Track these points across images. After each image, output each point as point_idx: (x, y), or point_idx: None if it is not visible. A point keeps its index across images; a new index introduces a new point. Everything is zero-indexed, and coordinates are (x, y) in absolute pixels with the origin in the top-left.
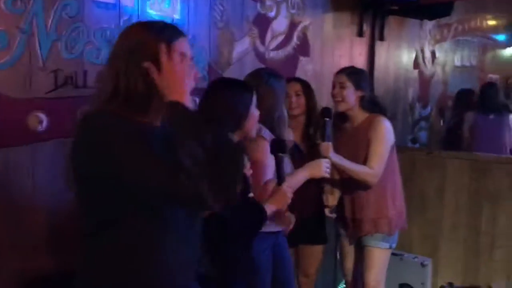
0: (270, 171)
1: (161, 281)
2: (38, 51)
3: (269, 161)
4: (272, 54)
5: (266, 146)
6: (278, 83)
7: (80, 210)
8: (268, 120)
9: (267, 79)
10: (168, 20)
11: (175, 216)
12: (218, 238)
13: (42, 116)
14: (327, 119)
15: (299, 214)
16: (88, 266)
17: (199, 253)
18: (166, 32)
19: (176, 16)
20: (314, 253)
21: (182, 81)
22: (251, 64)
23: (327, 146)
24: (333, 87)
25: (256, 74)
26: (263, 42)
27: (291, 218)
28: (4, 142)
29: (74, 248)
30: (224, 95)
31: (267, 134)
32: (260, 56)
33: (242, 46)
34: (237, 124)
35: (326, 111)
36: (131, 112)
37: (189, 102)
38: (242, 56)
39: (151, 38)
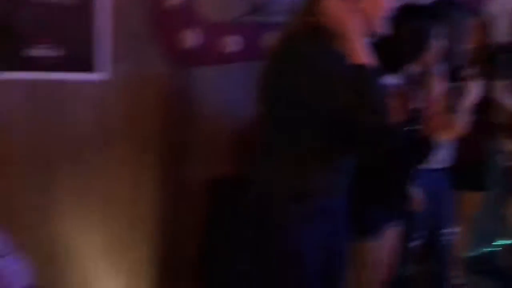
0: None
1: (320, 193)
2: None
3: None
4: None
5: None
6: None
7: (263, 126)
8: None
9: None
10: None
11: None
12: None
13: (238, 39)
14: None
15: (461, 158)
16: (265, 174)
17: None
18: None
19: None
20: (473, 200)
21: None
22: None
23: None
24: None
25: None
26: None
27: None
28: (205, 60)
29: (252, 158)
30: (406, 24)
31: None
32: None
33: None
34: (415, 55)
35: None
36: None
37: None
38: None
39: None
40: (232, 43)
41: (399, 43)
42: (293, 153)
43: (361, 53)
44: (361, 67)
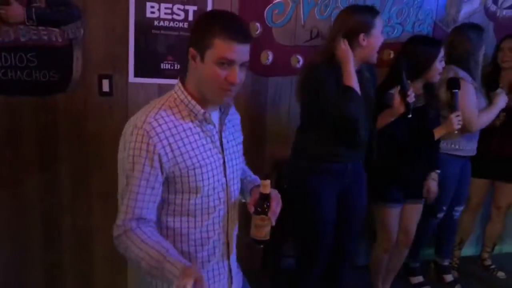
0: None
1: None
2: (301, 14)
3: None
4: (505, 13)
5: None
6: (474, 34)
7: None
8: (464, 64)
9: (465, 30)
10: None
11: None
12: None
13: (300, 58)
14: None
15: (498, 151)
16: (296, 144)
17: None
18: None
19: None
20: (508, 190)
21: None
22: (480, 22)
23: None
24: None
25: (457, 27)
26: (495, 1)
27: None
28: (278, 72)
29: None
30: (412, 49)
31: (462, 74)
32: (490, 15)
33: (472, 6)
34: (419, 73)
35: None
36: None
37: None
38: (470, 15)
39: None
40: (295, 60)
41: (410, 62)
42: (310, 132)
43: (351, 78)
44: (348, 88)
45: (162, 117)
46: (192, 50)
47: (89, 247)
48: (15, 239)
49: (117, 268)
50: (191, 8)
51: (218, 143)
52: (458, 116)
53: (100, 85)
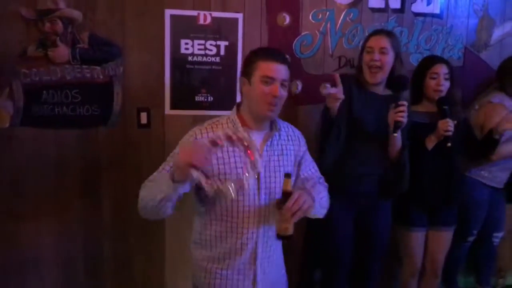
0: None
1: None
2: (329, 44)
3: None
4: None
5: None
6: None
7: None
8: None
9: None
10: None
11: None
12: None
13: (328, 86)
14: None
15: None
16: None
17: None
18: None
19: (436, 11)
20: None
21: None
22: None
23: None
24: None
25: None
26: None
27: None
28: (308, 101)
29: None
30: None
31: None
32: None
33: (503, 29)
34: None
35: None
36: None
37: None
38: (502, 38)
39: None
40: (325, 88)
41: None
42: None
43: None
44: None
45: (210, 130)
46: (242, 79)
47: (128, 273)
48: (59, 265)
49: None
50: (223, 44)
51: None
52: (447, 122)
53: (139, 118)
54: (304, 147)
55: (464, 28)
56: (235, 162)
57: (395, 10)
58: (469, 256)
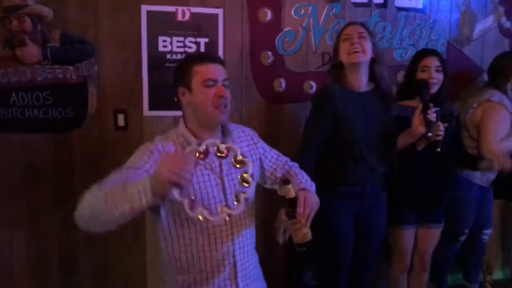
0: None
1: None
2: (313, 41)
3: None
4: None
5: None
6: None
7: None
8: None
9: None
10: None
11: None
12: None
13: (313, 83)
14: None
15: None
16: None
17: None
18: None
19: (419, 6)
20: None
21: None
22: (494, 39)
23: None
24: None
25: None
26: (509, 18)
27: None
28: (292, 99)
29: None
30: None
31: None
32: (505, 32)
33: (486, 23)
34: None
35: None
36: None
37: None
38: (484, 32)
39: None
40: (308, 86)
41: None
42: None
43: None
44: None
45: (166, 147)
46: (180, 89)
47: (106, 278)
48: (34, 272)
49: None
50: (203, 40)
51: (217, 169)
52: (438, 126)
53: (116, 120)
54: (257, 141)
55: (447, 23)
56: (211, 186)
57: (378, 5)
58: (458, 253)
